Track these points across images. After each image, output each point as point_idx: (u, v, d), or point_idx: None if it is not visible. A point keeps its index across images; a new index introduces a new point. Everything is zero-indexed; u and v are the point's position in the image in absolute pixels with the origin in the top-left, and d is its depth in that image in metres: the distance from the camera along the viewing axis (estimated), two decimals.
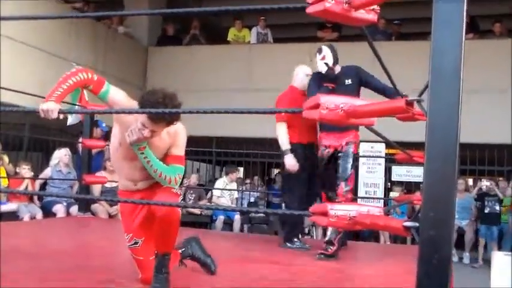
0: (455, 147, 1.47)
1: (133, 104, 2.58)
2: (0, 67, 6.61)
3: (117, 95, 2.59)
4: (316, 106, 1.81)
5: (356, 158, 4.32)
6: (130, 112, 2.58)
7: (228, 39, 11.28)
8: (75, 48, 9.02)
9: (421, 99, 1.62)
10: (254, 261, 3.83)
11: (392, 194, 9.12)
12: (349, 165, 4.08)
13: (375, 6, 1.85)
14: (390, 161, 8.71)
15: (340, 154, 4.14)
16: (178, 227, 2.60)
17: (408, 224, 1.59)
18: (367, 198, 8.57)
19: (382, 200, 8.53)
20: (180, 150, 2.68)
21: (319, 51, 4.22)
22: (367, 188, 9.14)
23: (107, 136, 7.67)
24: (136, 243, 2.74)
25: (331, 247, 3.99)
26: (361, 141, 9.17)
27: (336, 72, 4.20)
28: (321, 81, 4.24)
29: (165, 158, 2.65)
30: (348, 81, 4.18)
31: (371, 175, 9.14)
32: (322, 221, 1.81)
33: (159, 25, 11.99)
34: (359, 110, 1.79)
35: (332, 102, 1.80)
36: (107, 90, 2.57)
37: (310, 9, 1.82)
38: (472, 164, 9.74)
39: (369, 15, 1.85)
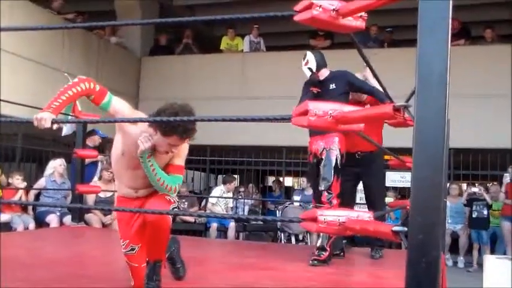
0: (442, 152, 1.48)
1: (136, 114, 2.63)
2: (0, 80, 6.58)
3: (119, 105, 2.62)
4: (305, 113, 1.83)
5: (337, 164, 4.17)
6: (123, 120, 2.59)
7: (221, 48, 11.32)
8: (68, 59, 9.02)
9: (409, 104, 1.64)
10: (248, 268, 3.83)
11: (386, 200, 9.12)
12: (330, 173, 4.04)
13: (363, 13, 1.87)
14: (384, 166, 8.72)
15: (322, 162, 4.12)
16: (169, 234, 2.64)
17: (397, 228, 1.60)
18: (362, 204, 8.57)
19: None
20: (181, 160, 2.72)
21: (304, 57, 4.27)
22: (362, 193, 9.12)
23: (103, 144, 7.70)
24: (132, 249, 2.75)
25: (324, 253, 4.00)
26: None
27: (323, 77, 4.22)
28: (309, 87, 4.27)
29: (166, 166, 2.67)
30: (332, 86, 4.18)
31: None
32: (312, 227, 1.82)
33: (151, 35, 12.02)
34: (347, 116, 1.81)
35: (320, 109, 1.81)
36: (109, 101, 2.59)
37: (297, 17, 1.84)
38: (466, 168, 9.78)
39: (356, 21, 1.87)
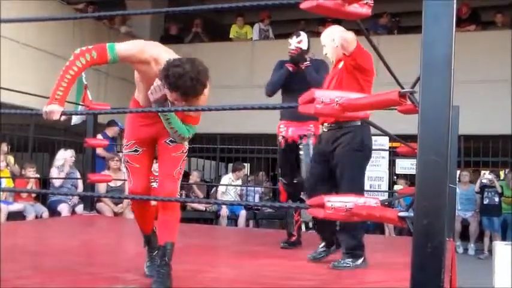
0: (447, 137, 1.50)
1: (153, 52, 2.63)
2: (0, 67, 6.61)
3: (126, 51, 2.61)
4: (312, 100, 1.84)
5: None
6: (125, 112, 2.62)
7: (230, 36, 11.31)
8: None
9: (414, 91, 1.65)
10: (254, 256, 3.85)
11: (396, 187, 9.14)
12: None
13: (369, 0, 1.87)
14: (394, 154, 8.72)
15: (300, 151, 4.11)
16: (179, 215, 2.73)
17: (403, 214, 1.62)
18: (372, 191, 8.59)
19: (387, 193, 8.55)
20: (198, 113, 2.74)
21: (297, 35, 4.19)
22: (372, 181, 9.15)
23: (121, 134, 7.78)
24: (136, 151, 2.79)
25: (292, 237, 4.24)
26: None
27: (306, 61, 4.17)
28: (284, 63, 4.26)
29: (182, 116, 2.68)
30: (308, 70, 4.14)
31: (375, 168, 9.14)
32: (319, 213, 1.84)
33: (161, 24, 12.03)
34: (354, 103, 1.82)
35: (327, 96, 1.83)
36: (114, 55, 2.59)
37: (304, 5, 1.85)
38: (476, 155, 9.74)
39: (362, 9, 1.87)
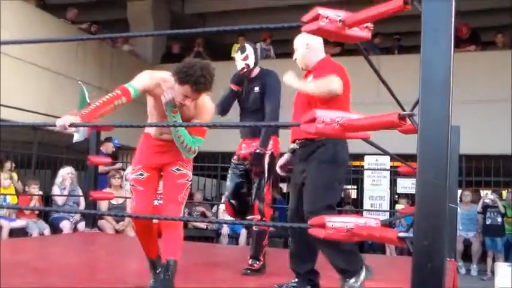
0: (446, 158, 1.52)
1: (159, 78, 2.88)
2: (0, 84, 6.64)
3: (141, 84, 2.85)
4: (313, 120, 1.87)
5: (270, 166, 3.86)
6: (126, 126, 2.66)
7: (231, 55, 11.38)
8: (82, 67, 9.14)
9: (413, 113, 1.67)
10: (254, 274, 3.85)
11: (398, 207, 9.12)
12: (263, 182, 3.86)
13: (369, 24, 1.91)
14: (395, 173, 8.73)
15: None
16: (181, 233, 2.88)
17: (402, 234, 1.63)
18: (373, 210, 8.59)
19: (388, 213, 8.54)
20: (204, 122, 2.94)
21: (242, 49, 3.94)
22: (373, 200, 9.15)
23: (116, 152, 7.82)
24: (141, 174, 2.96)
25: (257, 262, 3.95)
26: (365, 154, 9.36)
27: (254, 75, 3.98)
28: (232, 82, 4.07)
29: (190, 127, 2.91)
30: (257, 89, 3.94)
31: (376, 188, 9.15)
32: (320, 233, 1.86)
33: (163, 43, 12.13)
34: (354, 124, 1.85)
35: (328, 116, 1.86)
36: (135, 91, 2.81)
37: (305, 28, 1.88)
38: (478, 175, 9.73)
39: (362, 32, 1.91)
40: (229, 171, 4.16)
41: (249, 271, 3.87)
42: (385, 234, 1.75)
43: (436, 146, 1.51)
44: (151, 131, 3.05)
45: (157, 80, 2.88)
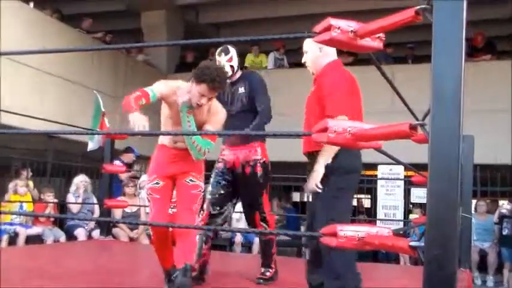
0: (457, 168, 1.52)
1: (174, 86, 3.09)
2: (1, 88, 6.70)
3: (158, 89, 3.03)
4: (325, 129, 1.88)
5: (267, 175, 3.82)
6: (141, 134, 2.71)
7: (245, 65, 11.44)
8: (97, 76, 9.24)
9: (424, 123, 1.68)
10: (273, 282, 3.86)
11: (411, 216, 9.06)
12: (259, 193, 3.79)
13: (380, 34, 1.93)
14: (409, 183, 8.68)
15: (244, 179, 3.77)
16: (195, 241, 3.07)
17: (414, 243, 1.64)
18: (386, 220, 8.54)
19: (402, 222, 8.49)
20: (214, 127, 3.11)
21: (226, 51, 3.84)
22: (386, 210, 9.10)
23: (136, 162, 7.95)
24: (157, 183, 3.11)
25: (270, 270, 3.94)
26: (379, 164, 9.33)
27: (235, 78, 3.89)
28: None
29: (200, 130, 3.09)
30: (241, 89, 3.87)
31: (390, 197, 9.11)
32: (332, 242, 1.86)
33: (177, 53, 12.22)
34: (366, 133, 1.86)
35: (340, 126, 1.87)
36: (153, 94, 2.98)
37: (317, 38, 1.90)
38: (494, 185, 9.64)
39: (374, 42, 1.93)
40: (212, 177, 3.89)
41: (261, 280, 3.87)
42: (396, 243, 1.75)
43: (446, 155, 1.52)
44: (165, 141, 3.18)
45: (172, 87, 3.07)
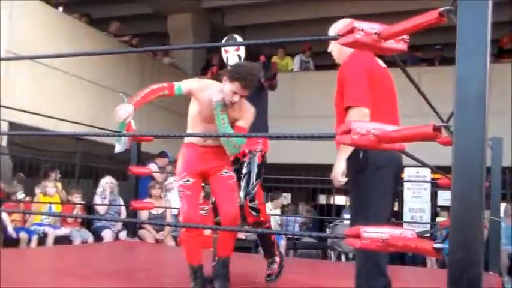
0: (481, 170, 1.51)
1: (205, 83, 3.27)
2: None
3: (187, 84, 3.22)
4: (348, 131, 1.89)
5: (260, 168, 3.69)
6: (165, 136, 2.76)
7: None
8: (124, 79, 9.35)
9: (448, 125, 1.67)
10: (288, 284, 3.85)
11: (438, 219, 8.96)
12: (254, 179, 3.60)
13: (405, 36, 1.92)
14: (436, 185, 8.59)
15: (244, 167, 3.64)
16: (236, 233, 3.32)
17: (438, 245, 1.63)
18: (413, 223, 8.46)
19: (429, 225, 8.40)
20: (245, 123, 3.24)
21: (232, 40, 3.80)
22: (413, 213, 9.02)
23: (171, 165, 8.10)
24: (188, 180, 3.19)
25: (274, 264, 3.74)
26: (406, 166, 9.23)
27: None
28: None
29: (233, 127, 3.20)
30: None
31: (417, 200, 9.02)
32: (356, 243, 1.87)
33: (203, 55, 12.30)
34: (389, 135, 1.86)
35: (363, 128, 1.87)
36: (179, 88, 3.19)
37: (340, 41, 1.91)
38: None
39: (398, 44, 1.92)
40: None
41: (273, 277, 3.70)
42: (420, 245, 1.74)
43: (470, 157, 1.51)
44: (193, 139, 3.28)
45: (203, 84, 3.24)
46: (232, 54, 3.85)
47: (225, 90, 3.11)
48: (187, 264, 3.17)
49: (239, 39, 3.92)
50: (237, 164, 3.67)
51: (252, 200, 3.58)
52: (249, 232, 7.82)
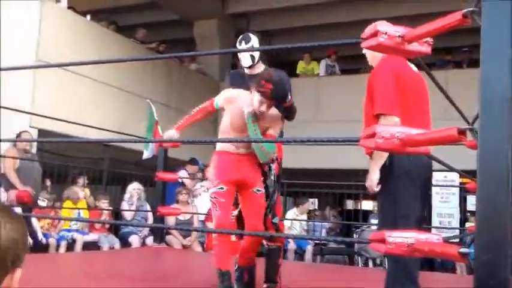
0: (507, 172, 1.50)
1: (236, 94, 3.40)
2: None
3: (221, 97, 3.42)
4: (372, 135, 1.88)
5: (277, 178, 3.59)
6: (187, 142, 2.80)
7: (297, 72, 11.45)
8: (151, 85, 9.45)
9: (473, 127, 1.66)
10: None
11: (467, 224, 8.82)
12: (274, 196, 3.51)
13: (428, 38, 1.91)
14: (465, 190, 8.45)
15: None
16: (259, 245, 3.40)
17: (464, 250, 1.61)
18: (441, 228, 8.35)
19: (458, 230, 8.28)
20: (274, 131, 3.39)
21: (246, 39, 3.67)
22: (441, 218, 8.89)
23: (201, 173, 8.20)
24: (222, 188, 3.26)
25: (274, 285, 3.59)
26: (433, 171, 9.11)
27: (256, 72, 3.62)
28: (238, 79, 3.73)
29: (263, 135, 3.33)
30: None
31: (445, 205, 8.90)
32: (381, 248, 1.85)
33: (229, 61, 12.35)
34: (414, 138, 1.84)
35: (388, 132, 1.86)
36: (216, 102, 3.42)
37: (364, 44, 1.91)
38: None
39: (422, 47, 1.91)
40: None
41: None
42: (446, 250, 1.72)
43: (495, 160, 1.50)
44: (226, 147, 3.36)
45: (233, 96, 3.38)
46: (245, 55, 3.69)
47: (253, 100, 3.21)
48: (216, 269, 3.18)
49: (253, 37, 3.71)
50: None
51: (273, 217, 3.54)
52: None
